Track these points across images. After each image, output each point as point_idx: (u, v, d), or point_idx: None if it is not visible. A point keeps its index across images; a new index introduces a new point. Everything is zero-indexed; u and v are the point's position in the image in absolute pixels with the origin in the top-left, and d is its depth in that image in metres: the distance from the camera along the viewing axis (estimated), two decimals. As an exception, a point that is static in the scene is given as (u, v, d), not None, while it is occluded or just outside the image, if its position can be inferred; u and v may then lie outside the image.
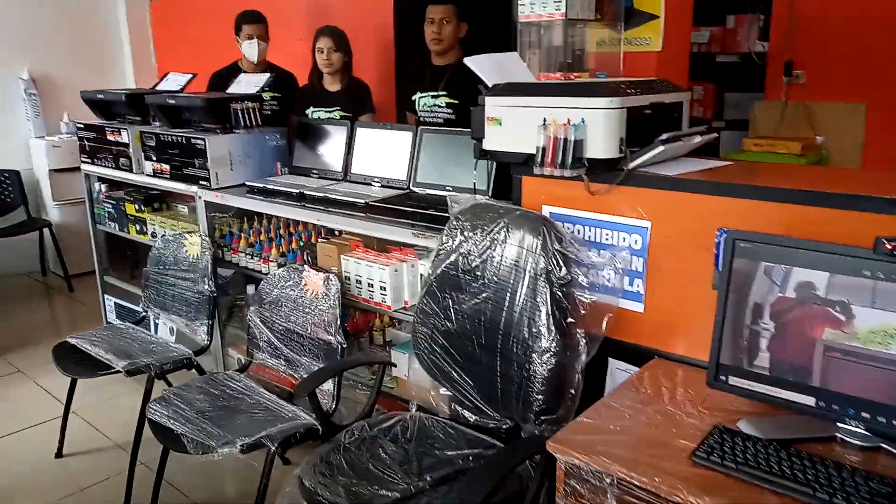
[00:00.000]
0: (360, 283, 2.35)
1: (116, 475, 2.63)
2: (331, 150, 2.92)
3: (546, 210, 1.88)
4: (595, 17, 2.52)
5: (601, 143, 1.69)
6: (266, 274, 2.72)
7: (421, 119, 3.37)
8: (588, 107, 1.69)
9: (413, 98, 3.38)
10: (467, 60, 2.07)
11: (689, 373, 1.66)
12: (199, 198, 2.87)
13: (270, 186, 2.77)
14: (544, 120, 1.74)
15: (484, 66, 2.05)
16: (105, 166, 3.36)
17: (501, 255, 1.74)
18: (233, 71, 3.86)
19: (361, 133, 2.82)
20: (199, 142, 2.81)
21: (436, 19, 3.18)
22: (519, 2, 2.60)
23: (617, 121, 1.68)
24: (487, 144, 1.91)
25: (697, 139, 1.89)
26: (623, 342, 1.81)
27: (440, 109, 3.27)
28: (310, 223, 2.67)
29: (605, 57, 2.79)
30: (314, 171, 2.95)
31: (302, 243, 2.68)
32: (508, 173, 1.97)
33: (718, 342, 1.45)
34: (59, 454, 2.80)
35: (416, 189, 2.60)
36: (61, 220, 5.01)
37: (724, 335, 1.44)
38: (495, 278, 1.75)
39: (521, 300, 1.69)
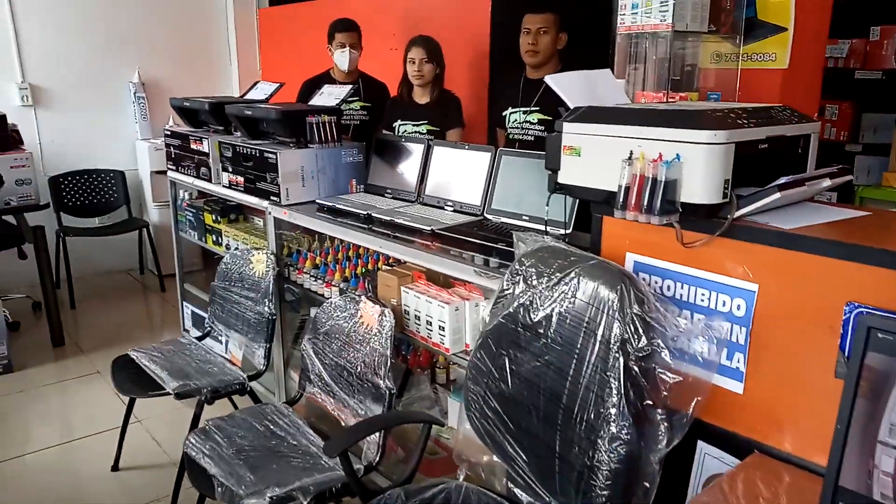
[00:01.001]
0: (418, 318, 2.13)
1: (165, 496, 2.53)
2: (407, 169, 2.72)
3: (630, 259, 1.57)
4: (708, 28, 2.18)
5: (700, 185, 1.37)
6: (327, 299, 2.55)
7: (510, 136, 3.11)
8: (686, 140, 1.37)
9: (504, 113, 3.13)
10: (548, 79, 1.80)
11: (798, 478, 1.31)
12: (269, 213, 2.75)
13: (339, 206, 2.60)
14: (630, 153, 1.44)
15: (567, 85, 1.77)
16: (187, 174, 3.32)
17: (569, 313, 1.46)
18: (323, 80, 3.76)
19: (438, 152, 2.60)
20: (271, 155, 2.68)
21: (532, 29, 2.92)
22: (619, 10, 2.30)
23: (722, 159, 1.36)
24: (563, 177, 1.63)
25: (826, 183, 1.53)
26: (715, 427, 1.48)
27: (531, 126, 3.01)
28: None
29: (720, 74, 2.43)
30: (388, 191, 2.76)
31: (365, 270, 2.49)
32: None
33: (839, 458, 1.10)
34: (115, 467, 2.75)
35: (490, 216, 2.35)
36: (159, 221, 5.12)
37: (848, 450, 1.09)
38: (559, 339, 1.47)
39: (589, 371, 1.40)
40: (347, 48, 3.63)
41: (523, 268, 1.58)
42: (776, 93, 2.30)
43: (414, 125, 3.43)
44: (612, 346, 1.37)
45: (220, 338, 2.88)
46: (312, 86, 3.78)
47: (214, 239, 3.29)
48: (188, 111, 3.37)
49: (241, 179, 2.91)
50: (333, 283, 2.53)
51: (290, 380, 2.88)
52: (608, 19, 4.05)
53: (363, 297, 2.17)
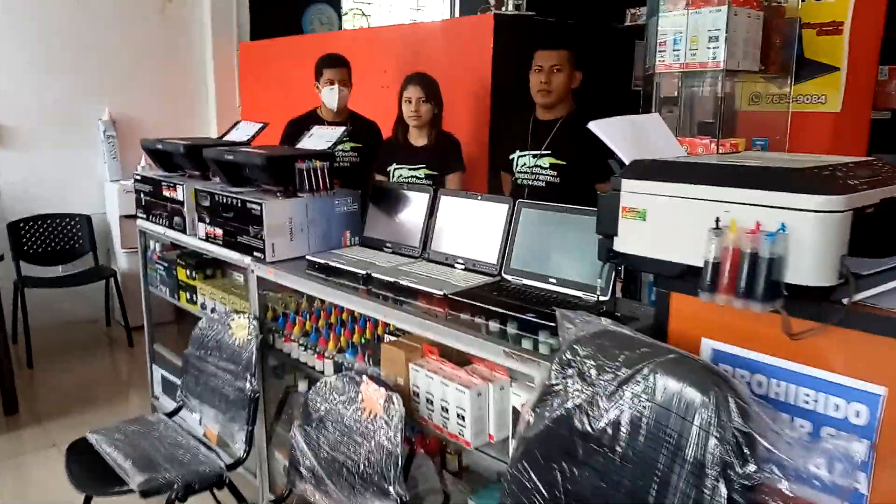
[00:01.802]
0: (431, 403, 1.80)
1: None
2: (409, 220, 2.41)
3: (708, 347, 1.28)
4: (759, 67, 1.93)
5: (811, 262, 1.08)
6: (320, 373, 2.22)
7: (518, 181, 2.83)
8: (792, 206, 1.09)
9: (511, 157, 2.86)
10: (593, 125, 1.52)
11: None
12: (252, 272, 2.41)
13: (333, 263, 2.28)
14: (717, 221, 1.15)
15: (616, 132, 1.49)
16: (159, 223, 2.99)
17: (643, 422, 1.15)
18: (310, 119, 3.47)
19: (446, 202, 2.30)
20: (255, 206, 2.36)
21: (545, 67, 2.66)
22: (655, 48, 2.05)
23: (838, 230, 1.08)
24: (622, 245, 1.34)
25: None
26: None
27: (543, 171, 2.73)
28: (376, 313, 2.15)
29: (759, 118, 2.18)
30: (388, 245, 2.44)
31: (364, 339, 2.16)
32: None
33: None
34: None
35: (508, 277, 2.04)
36: (128, 269, 4.74)
37: None
38: (632, 456, 1.16)
39: (678, 502, 1.09)
40: (336, 85, 3.36)
41: (577, 358, 1.27)
42: (827, 138, 2.05)
43: (410, 169, 3.14)
44: (708, 469, 1.06)
45: (193, 413, 2.52)
46: (298, 126, 3.48)
47: (188, 297, 2.94)
48: (161, 154, 3.05)
49: (219, 232, 2.58)
50: (326, 355, 2.20)
51: (274, 461, 2.52)
52: (626, 57, 3.84)
53: (364, 377, 1.84)
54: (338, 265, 2.27)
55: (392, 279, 2.08)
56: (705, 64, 1.81)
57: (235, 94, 5.41)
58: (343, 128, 2.71)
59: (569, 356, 1.28)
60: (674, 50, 1.91)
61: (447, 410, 1.75)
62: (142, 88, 5.03)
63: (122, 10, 4.88)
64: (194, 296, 2.89)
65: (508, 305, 1.80)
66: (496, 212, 2.13)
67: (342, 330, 2.26)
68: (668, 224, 1.24)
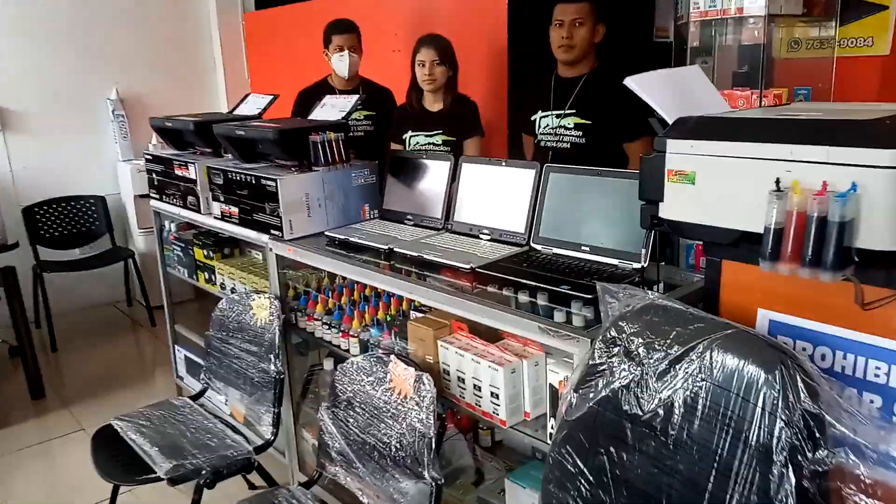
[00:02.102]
0: (462, 381, 1.73)
1: None
2: (430, 191, 2.31)
3: (764, 318, 1.18)
4: (802, 10, 1.79)
5: (886, 225, 0.98)
6: (346, 351, 2.15)
7: (542, 143, 2.71)
8: (864, 163, 0.98)
9: (532, 118, 2.73)
10: (630, 81, 1.40)
11: None
12: (270, 250, 2.34)
13: (354, 239, 2.19)
14: (777, 182, 1.04)
15: (654, 88, 1.37)
16: (173, 203, 2.91)
17: (699, 403, 1.06)
18: (321, 88, 3.36)
19: (468, 170, 2.19)
20: (269, 183, 2.27)
21: (566, 21, 2.51)
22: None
23: (916, 186, 0.97)
24: (668, 211, 1.23)
25: None
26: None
27: (567, 132, 2.61)
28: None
29: (800, 65, 2.04)
30: (408, 217, 2.35)
31: (390, 315, 2.09)
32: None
33: None
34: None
35: (537, 246, 1.95)
36: (146, 249, 4.70)
37: None
38: (687, 440, 1.07)
39: (739, 488, 1.00)
40: (346, 52, 3.24)
41: (623, 335, 1.18)
42: (874, 85, 1.92)
43: (427, 136, 3.03)
44: (774, 455, 0.97)
45: (218, 395, 2.47)
46: (309, 96, 3.38)
47: (207, 277, 2.88)
48: (171, 132, 2.96)
49: (234, 210, 2.50)
50: (351, 333, 2.13)
51: (302, 440, 2.47)
52: (646, 8, 3.66)
53: (392, 357, 1.77)
54: (358, 240, 2.18)
55: (415, 253, 1.99)
56: (744, 10, 1.67)
57: (244, 67, 5.29)
58: (356, 96, 2.60)
59: (614, 333, 1.19)
60: None
61: (480, 388, 1.68)
62: (149, 65, 4.92)
63: (123, -16, 4.75)
64: (213, 276, 2.83)
65: (540, 277, 1.71)
66: (522, 178, 2.02)
67: (366, 306, 2.18)
68: (720, 187, 1.14)
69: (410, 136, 3.07)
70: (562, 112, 2.60)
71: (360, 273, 2.00)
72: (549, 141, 2.66)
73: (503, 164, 2.09)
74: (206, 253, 2.85)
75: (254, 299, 2.34)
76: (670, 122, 1.26)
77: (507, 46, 3.24)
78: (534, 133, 2.76)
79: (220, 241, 2.81)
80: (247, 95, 3.15)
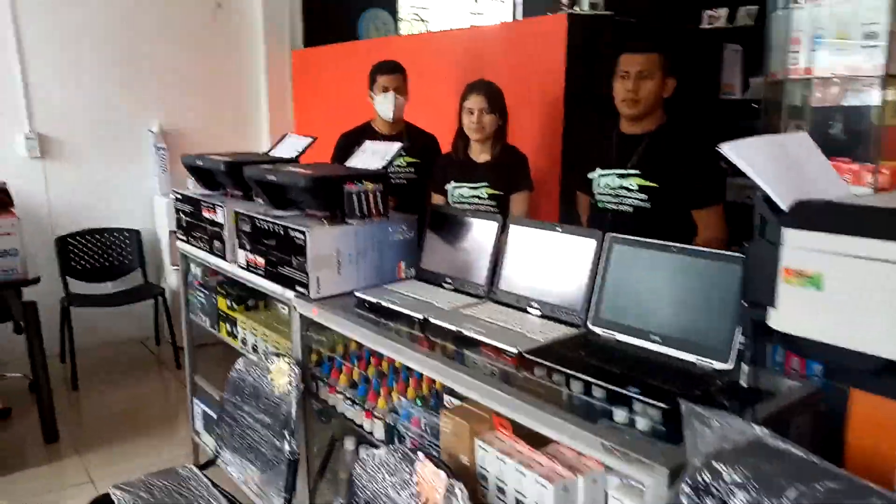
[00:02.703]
0: (502, 493, 1.45)
1: None
2: (474, 252, 2.07)
3: (910, 472, 0.89)
4: (926, 71, 1.52)
5: None
6: (369, 433, 1.90)
7: (600, 204, 2.46)
8: None
9: (590, 175, 2.48)
10: (728, 149, 1.14)
11: None
12: (294, 308, 2.12)
13: (386, 304, 1.96)
14: (950, 301, 0.77)
15: (758, 158, 1.11)
16: (199, 247, 2.73)
17: None
18: (363, 132, 3.18)
19: (517, 233, 1.95)
20: (298, 235, 2.06)
21: (631, 73, 2.28)
22: (788, 46, 1.66)
23: None
24: (782, 321, 0.96)
25: None
26: None
27: (629, 194, 2.35)
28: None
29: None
30: (448, 280, 2.11)
31: (421, 396, 1.83)
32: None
33: None
34: None
35: (596, 329, 1.68)
36: (178, 286, 4.54)
37: None
38: None
39: None
40: (391, 93, 3.06)
41: (721, 483, 0.90)
42: None
43: (472, 187, 2.81)
44: None
45: (228, 466, 2.24)
46: (351, 140, 3.20)
47: (229, 329, 2.67)
48: (202, 171, 2.79)
49: (261, 261, 2.30)
50: (376, 414, 1.88)
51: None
52: (713, 62, 3.41)
53: (420, 455, 1.51)
54: (391, 305, 1.94)
55: (454, 327, 1.74)
56: (859, 67, 1.41)
57: (289, 106, 5.19)
58: (398, 143, 2.39)
59: (707, 478, 0.92)
60: (811, 49, 1.52)
61: None
62: (193, 99, 4.85)
63: (171, 19, 4.70)
64: (234, 328, 2.62)
65: (602, 372, 1.44)
66: (580, 247, 1.77)
67: (395, 380, 1.93)
68: (860, 298, 0.87)
69: (454, 188, 2.85)
70: (624, 172, 2.35)
71: (391, 347, 1.75)
72: (608, 202, 2.40)
73: (558, 229, 1.84)
74: (229, 303, 2.65)
75: (273, 362, 2.11)
76: (783, 204, 1.00)
77: (562, 96, 3.02)
78: (590, 192, 2.52)
79: (245, 291, 2.61)
80: (284, 136, 2.99)
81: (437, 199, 2.94)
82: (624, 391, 1.34)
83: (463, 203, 2.82)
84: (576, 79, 2.97)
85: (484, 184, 2.79)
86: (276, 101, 5.13)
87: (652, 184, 2.29)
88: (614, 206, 2.38)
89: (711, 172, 2.32)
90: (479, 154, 2.82)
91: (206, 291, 2.82)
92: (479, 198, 2.80)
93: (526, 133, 3.07)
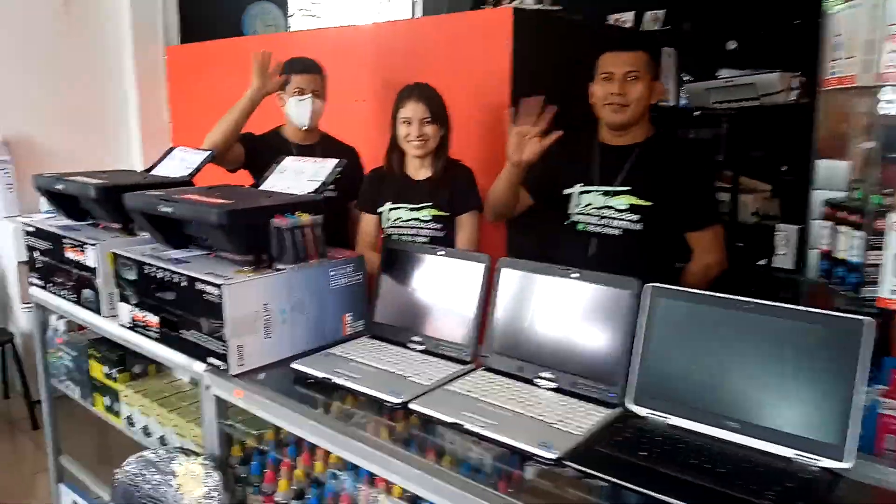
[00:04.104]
0: None
1: None
2: (450, 303, 1.60)
3: None
4: None
5: None
6: (329, 565, 1.38)
7: (578, 226, 2.07)
8: None
9: (567, 191, 2.08)
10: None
11: None
12: (206, 388, 1.55)
13: (338, 379, 1.45)
14: None
15: None
16: (61, 296, 2.08)
17: None
18: (271, 142, 2.63)
19: (511, 278, 1.50)
20: (210, 290, 1.51)
21: (617, 74, 1.91)
22: (830, 55, 1.33)
23: None
24: None
25: None
26: None
27: (618, 214, 1.98)
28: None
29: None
30: (415, 339, 1.63)
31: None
32: None
33: None
34: None
35: (639, 410, 1.27)
36: (30, 329, 3.71)
37: None
38: None
39: None
40: (309, 96, 2.53)
41: None
42: None
43: (411, 209, 2.35)
44: None
45: None
46: (253, 148, 2.64)
47: (108, 404, 2.04)
48: (63, 197, 2.13)
49: (153, 320, 1.71)
50: (340, 537, 1.36)
51: None
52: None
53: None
54: (347, 383, 1.44)
55: (451, 418, 1.26)
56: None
57: (164, 110, 4.45)
58: (334, 161, 1.88)
59: None
60: (862, 58, 1.19)
61: None
62: (43, 104, 4.01)
63: (14, 9, 3.87)
64: (116, 404, 1.99)
65: (679, 485, 1.02)
66: (610, 301, 1.35)
67: (356, 483, 1.43)
68: None
69: (389, 209, 2.38)
70: (611, 189, 1.97)
71: (363, 453, 1.25)
72: (591, 224, 2.01)
73: (574, 275, 1.41)
74: (106, 370, 2.01)
75: (179, 463, 1.54)
76: None
77: (509, 102, 2.60)
78: (561, 210, 2.12)
79: (129, 353, 1.98)
80: (172, 149, 2.37)
81: (365, 219, 2.45)
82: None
83: (401, 227, 2.35)
84: (524, 82, 2.57)
85: (426, 204, 2.33)
86: (148, 104, 4.38)
87: (645, 202, 1.92)
88: (598, 229, 1.99)
89: (708, 189, 2.00)
90: (419, 170, 2.37)
91: (72, 353, 2.16)
92: (420, 220, 2.34)
93: (463, 144, 2.63)
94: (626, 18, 4.46)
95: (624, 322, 1.31)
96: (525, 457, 1.16)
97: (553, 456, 1.12)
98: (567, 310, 1.40)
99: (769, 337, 1.17)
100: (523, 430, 1.21)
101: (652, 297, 1.28)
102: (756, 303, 1.18)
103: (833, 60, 1.48)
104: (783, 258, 3.40)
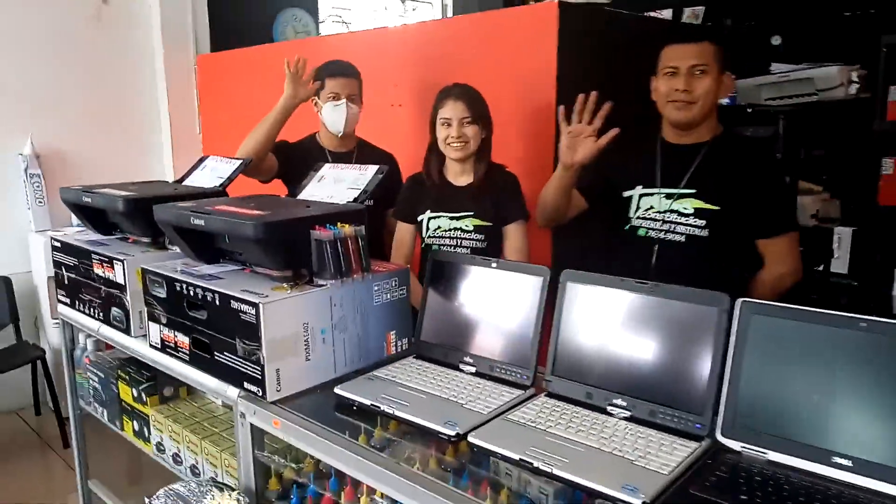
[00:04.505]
0: None
1: None
2: (506, 320, 1.46)
3: None
4: None
5: None
6: None
7: (640, 231, 1.91)
8: None
9: (628, 194, 1.93)
10: None
11: None
12: (243, 416, 1.43)
13: (386, 408, 1.31)
14: None
15: None
16: (89, 314, 1.98)
17: None
18: (307, 149, 2.53)
19: (578, 294, 1.35)
20: (245, 308, 1.38)
21: (682, 68, 1.75)
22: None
23: None
24: None
25: None
26: None
27: (682, 219, 1.81)
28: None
29: None
30: (467, 360, 1.48)
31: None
32: None
33: None
34: None
35: (730, 443, 1.11)
36: (61, 344, 3.66)
37: None
38: None
39: None
40: (344, 101, 2.42)
41: None
42: None
43: (453, 218, 2.21)
44: None
45: None
46: (287, 157, 2.53)
47: (137, 428, 1.93)
48: (91, 210, 2.04)
49: (184, 341, 1.59)
50: (390, 583, 1.22)
51: None
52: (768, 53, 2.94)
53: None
54: (394, 410, 1.30)
55: (515, 455, 1.12)
56: None
57: (195, 120, 4.38)
58: (374, 167, 1.75)
59: None
60: None
61: None
62: (74, 114, 3.97)
63: (46, 19, 3.83)
64: (146, 429, 1.88)
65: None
66: (694, 318, 1.19)
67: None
68: None
69: (429, 218, 2.24)
70: (675, 191, 1.81)
71: (413, 493, 1.10)
72: (652, 229, 1.85)
73: (651, 290, 1.25)
74: (135, 393, 1.91)
75: (212, 497, 1.42)
76: None
77: (554, 101, 2.45)
78: (619, 214, 1.96)
79: (160, 375, 1.87)
80: (203, 159, 2.27)
81: (401, 229, 2.32)
82: None
83: (442, 237, 2.22)
84: (572, 80, 2.42)
85: (468, 213, 2.20)
86: (178, 114, 4.32)
87: (712, 206, 1.76)
88: (661, 235, 1.83)
89: (782, 193, 1.83)
90: (459, 176, 2.23)
91: (99, 374, 2.06)
92: (462, 230, 2.21)
93: (510, 149, 2.49)
94: (665, 15, 4.29)
95: (711, 342, 1.16)
96: (607, 501, 1.00)
97: (640, 502, 0.97)
98: (642, 328, 1.25)
99: (884, 359, 1.00)
100: (600, 468, 1.06)
101: (745, 313, 1.12)
102: (870, 320, 1.02)
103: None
104: (838, 262, 3.19)
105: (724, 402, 1.12)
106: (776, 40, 3.83)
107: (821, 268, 3.23)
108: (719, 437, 1.12)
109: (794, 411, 1.07)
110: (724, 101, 3.25)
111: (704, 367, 1.16)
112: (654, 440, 1.14)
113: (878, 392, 1.01)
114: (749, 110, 3.12)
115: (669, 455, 1.09)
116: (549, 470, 1.07)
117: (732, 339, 1.13)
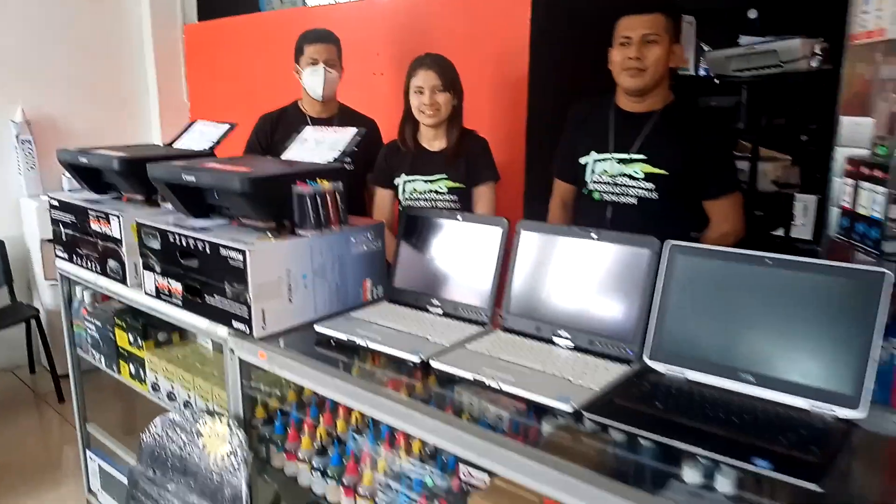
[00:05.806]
0: None
1: None
2: (467, 267, 1.62)
3: None
4: None
5: None
6: (352, 519, 1.41)
7: (594, 194, 2.07)
8: None
9: (583, 160, 2.09)
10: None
11: None
12: (232, 352, 1.59)
13: (360, 340, 1.48)
14: None
15: None
16: (87, 268, 2.12)
17: None
18: (290, 115, 2.67)
19: (530, 241, 1.52)
20: (234, 255, 1.54)
21: (634, 38, 1.90)
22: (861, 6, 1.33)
23: None
24: None
25: None
26: None
27: (633, 182, 1.98)
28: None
29: None
30: (433, 303, 1.65)
31: (430, 478, 1.36)
32: None
33: None
34: None
35: (655, 366, 1.29)
36: (54, 304, 3.81)
37: None
38: None
39: None
40: (322, 65, 2.54)
41: None
42: None
43: (427, 181, 2.36)
44: None
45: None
46: (272, 124, 2.67)
47: (133, 371, 2.09)
48: (87, 170, 2.17)
49: (177, 287, 1.74)
50: (360, 492, 1.40)
51: None
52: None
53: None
54: (368, 344, 1.46)
55: (470, 374, 1.29)
56: None
57: (182, 88, 4.49)
58: (354, 129, 1.90)
59: None
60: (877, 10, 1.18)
61: None
62: (65, 81, 4.07)
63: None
64: (141, 371, 2.04)
65: (699, 435, 1.04)
66: (629, 260, 1.36)
67: (378, 441, 1.46)
68: None
69: (405, 182, 2.39)
70: (627, 156, 1.97)
71: (388, 410, 1.28)
72: (606, 192, 2.01)
73: (594, 236, 1.42)
74: (131, 338, 2.06)
75: (204, 423, 1.58)
76: None
77: (527, 69, 2.60)
78: (577, 180, 2.12)
79: (154, 322, 2.03)
80: (192, 123, 2.40)
81: (380, 194, 2.47)
82: (747, 465, 0.95)
83: (418, 199, 2.37)
84: (544, 51, 2.56)
85: (441, 175, 2.35)
86: (166, 82, 4.42)
87: (661, 171, 1.92)
88: (614, 198, 1.99)
89: (726, 157, 1.99)
90: (433, 141, 2.38)
91: (97, 323, 2.21)
92: (436, 192, 2.36)
93: (478, 115, 2.64)
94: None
95: (643, 281, 1.33)
96: (543, 410, 1.18)
97: (571, 408, 1.14)
98: (585, 271, 1.42)
99: (788, 291, 1.17)
100: (541, 385, 1.23)
101: (672, 254, 1.29)
102: (775, 258, 1.19)
103: (863, 13, 1.47)
104: (801, 229, 3.35)
105: (653, 330, 1.30)
106: (752, 14, 3.96)
107: (780, 232, 3.39)
108: (647, 361, 1.30)
109: (710, 337, 1.24)
110: (701, 72, 3.42)
111: (636, 301, 1.33)
112: (591, 364, 1.32)
113: (779, 318, 1.18)
114: (716, 81, 3.26)
115: (602, 375, 1.27)
116: (497, 386, 1.24)
117: (661, 276, 1.30)
